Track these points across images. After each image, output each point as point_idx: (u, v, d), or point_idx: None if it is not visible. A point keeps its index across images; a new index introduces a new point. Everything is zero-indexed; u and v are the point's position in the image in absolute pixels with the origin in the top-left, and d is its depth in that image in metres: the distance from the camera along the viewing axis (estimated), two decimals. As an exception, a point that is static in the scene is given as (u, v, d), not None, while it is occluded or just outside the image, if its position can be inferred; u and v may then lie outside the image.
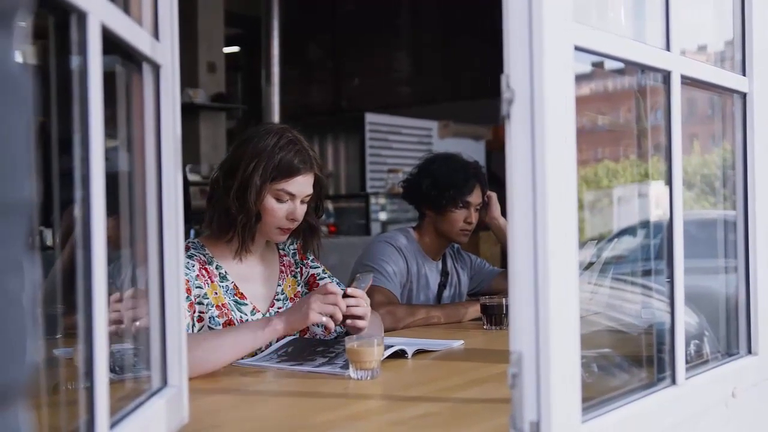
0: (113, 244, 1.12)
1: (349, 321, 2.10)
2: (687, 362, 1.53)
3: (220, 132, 7.76)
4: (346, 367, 1.89)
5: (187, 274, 2.07)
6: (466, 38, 9.04)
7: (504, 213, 3.07)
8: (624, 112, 2.06)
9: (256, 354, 2.15)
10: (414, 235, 3.05)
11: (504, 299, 2.65)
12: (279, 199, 2.18)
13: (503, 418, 1.22)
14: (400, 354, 2.10)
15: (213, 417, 1.58)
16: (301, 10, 9.52)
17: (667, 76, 1.50)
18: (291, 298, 2.34)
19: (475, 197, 2.97)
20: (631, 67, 1.57)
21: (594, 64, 1.43)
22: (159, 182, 1.34)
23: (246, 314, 2.19)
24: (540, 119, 1.14)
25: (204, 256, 2.19)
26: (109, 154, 1.06)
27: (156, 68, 1.33)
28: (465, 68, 9.06)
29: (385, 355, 1.99)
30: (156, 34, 1.33)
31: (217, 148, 7.32)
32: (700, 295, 1.77)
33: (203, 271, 2.15)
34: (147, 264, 1.35)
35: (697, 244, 1.63)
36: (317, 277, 2.41)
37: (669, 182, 1.51)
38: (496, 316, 2.64)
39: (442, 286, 3.09)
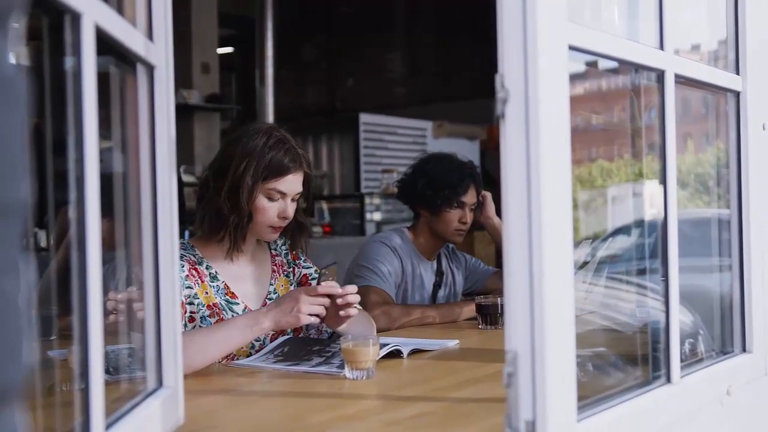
0: (108, 245, 1.12)
1: (342, 312, 2.09)
2: (682, 361, 1.53)
3: (215, 133, 7.75)
4: (342, 366, 1.89)
5: None
6: (461, 39, 9.04)
7: (499, 213, 3.08)
8: (618, 112, 2.06)
9: (251, 354, 2.15)
10: (409, 235, 3.05)
11: (499, 299, 2.65)
12: (270, 198, 2.19)
13: (499, 418, 1.22)
14: (395, 354, 2.10)
15: (208, 418, 1.57)
16: (295, 11, 9.52)
17: (661, 75, 1.51)
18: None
19: (469, 197, 2.97)
20: (625, 66, 1.57)
21: (588, 64, 1.44)
22: (154, 183, 1.34)
23: (238, 313, 2.20)
24: (534, 119, 1.14)
25: (194, 256, 2.20)
26: (103, 156, 1.06)
27: (150, 69, 1.33)
28: (459, 68, 9.07)
29: (381, 355, 1.99)
30: (150, 35, 1.33)
31: (211, 149, 7.31)
32: (695, 293, 1.77)
33: (193, 272, 2.16)
34: (142, 265, 1.35)
35: (691, 243, 1.64)
36: (309, 278, 2.42)
37: (663, 181, 1.51)
38: (491, 316, 2.65)
39: (437, 285, 3.09)
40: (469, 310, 2.81)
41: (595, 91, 1.74)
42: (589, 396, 1.31)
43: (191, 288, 2.13)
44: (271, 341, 2.23)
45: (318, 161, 8.60)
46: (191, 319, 2.11)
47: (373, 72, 9.79)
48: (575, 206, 1.27)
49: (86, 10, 0.99)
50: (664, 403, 1.47)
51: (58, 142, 1.01)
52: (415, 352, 2.17)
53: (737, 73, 1.80)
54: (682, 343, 1.57)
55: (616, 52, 1.41)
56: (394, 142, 8.22)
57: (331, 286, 2.03)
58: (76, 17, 0.98)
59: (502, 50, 1.16)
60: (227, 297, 2.21)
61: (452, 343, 2.34)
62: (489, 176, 6.52)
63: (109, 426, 1.07)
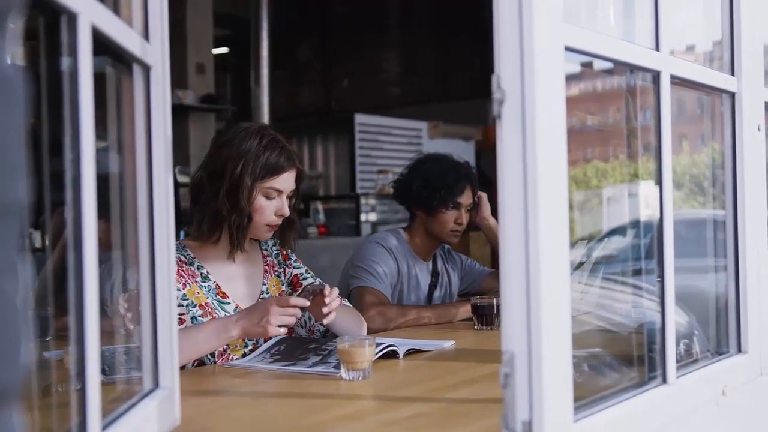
0: (103, 246, 1.11)
1: (326, 320, 2.12)
2: (677, 361, 1.53)
3: (210, 133, 7.73)
4: (339, 365, 1.89)
5: None
6: (456, 39, 9.05)
7: (494, 213, 3.08)
8: (613, 112, 2.06)
9: (246, 354, 2.16)
10: (404, 235, 3.05)
11: (495, 299, 2.66)
12: (268, 197, 2.23)
13: (495, 418, 1.22)
14: (391, 354, 2.10)
15: (205, 419, 1.57)
16: (290, 11, 9.52)
17: (656, 76, 1.51)
18: (278, 295, 2.37)
19: (465, 198, 2.97)
20: (620, 67, 1.57)
21: (583, 64, 1.44)
22: (150, 184, 1.34)
23: (229, 312, 2.22)
24: (531, 119, 1.14)
25: (184, 256, 2.21)
26: (99, 156, 1.06)
27: (146, 69, 1.33)
28: (455, 69, 9.08)
29: (377, 355, 1.99)
30: (146, 36, 1.33)
31: (206, 150, 7.27)
32: (690, 294, 1.78)
33: (182, 272, 2.16)
34: (138, 266, 1.34)
35: (686, 244, 1.64)
36: (300, 278, 2.44)
37: (659, 182, 1.52)
38: (486, 316, 2.65)
39: (432, 286, 3.09)
40: (465, 310, 2.81)
41: (590, 92, 1.74)
42: (586, 396, 1.31)
43: (179, 290, 2.14)
44: (265, 341, 2.24)
45: (313, 162, 8.60)
46: (181, 321, 2.11)
47: (369, 72, 9.79)
48: (570, 207, 1.27)
49: (83, 10, 0.99)
50: (660, 403, 1.47)
51: (54, 142, 1.01)
52: (411, 352, 2.17)
53: (732, 74, 1.81)
54: (677, 344, 1.57)
55: (612, 53, 1.41)
56: (390, 142, 8.22)
57: (302, 300, 2.03)
58: (72, 17, 0.98)
59: (498, 51, 1.16)
60: (218, 297, 2.23)
61: (448, 344, 2.34)
62: (484, 177, 6.52)
63: (105, 427, 1.07)
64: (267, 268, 2.40)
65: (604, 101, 1.96)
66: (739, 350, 1.79)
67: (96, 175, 1.02)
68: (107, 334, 1.36)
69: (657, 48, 1.51)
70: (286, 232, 2.36)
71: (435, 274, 3.10)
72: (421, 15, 9.57)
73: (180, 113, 7.23)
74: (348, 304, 2.52)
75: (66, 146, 1.00)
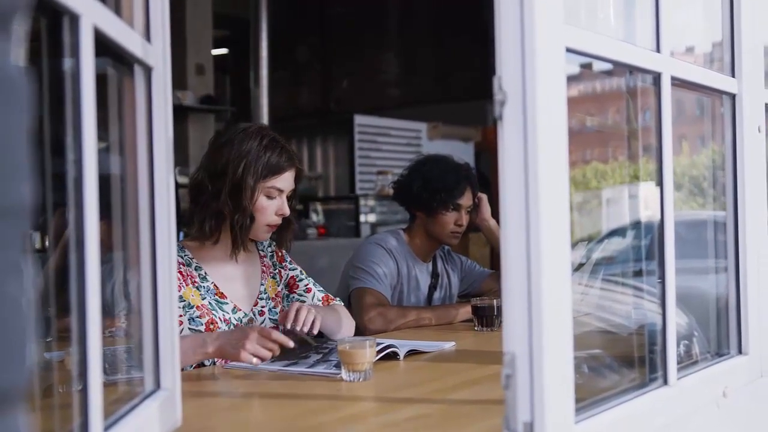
0: (104, 246, 1.11)
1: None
2: (677, 363, 1.53)
3: (209, 134, 7.72)
4: (340, 365, 1.88)
5: None
6: (455, 40, 9.05)
7: (494, 214, 3.08)
8: (612, 114, 2.06)
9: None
10: (404, 236, 3.05)
11: (495, 300, 2.65)
12: (269, 196, 2.24)
13: (496, 419, 1.22)
14: (392, 356, 2.10)
15: (206, 420, 1.57)
16: (289, 12, 9.51)
17: (657, 77, 1.51)
18: (272, 297, 2.39)
19: (465, 199, 2.97)
20: (619, 68, 1.57)
21: (582, 65, 1.44)
22: (151, 185, 1.34)
23: (228, 312, 2.24)
24: (532, 121, 1.14)
25: (182, 257, 2.21)
26: (100, 157, 1.06)
27: (147, 70, 1.33)
28: (454, 70, 9.08)
29: (378, 357, 1.99)
30: (147, 37, 1.33)
31: (205, 150, 7.28)
32: (689, 295, 1.78)
33: (179, 274, 2.16)
34: (139, 267, 1.34)
35: (685, 245, 1.64)
36: (297, 279, 2.47)
37: (660, 183, 1.52)
38: (487, 318, 2.65)
39: (432, 287, 3.09)
40: (465, 311, 2.81)
41: (589, 93, 1.74)
42: (587, 398, 1.31)
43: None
44: None
45: (312, 163, 8.60)
46: (178, 323, 2.11)
47: (368, 73, 9.78)
48: (570, 208, 1.27)
49: (85, 11, 0.99)
50: (661, 405, 1.47)
51: (55, 143, 1.01)
52: (411, 353, 2.17)
53: (733, 75, 1.81)
54: (677, 345, 1.57)
55: (613, 54, 1.42)
56: (389, 143, 8.22)
57: (285, 339, 1.96)
58: (74, 18, 0.98)
59: (499, 52, 1.16)
60: (216, 297, 2.24)
61: (448, 345, 2.34)
62: (484, 178, 6.52)
63: (107, 428, 1.07)
64: (264, 268, 2.41)
65: (603, 102, 1.97)
66: (740, 352, 1.79)
67: (97, 176, 1.02)
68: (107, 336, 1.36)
69: (658, 49, 1.51)
70: (283, 232, 2.37)
71: (435, 275, 3.10)
72: (421, 16, 9.57)
73: (179, 114, 7.23)
74: (338, 302, 2.52)
75: (68, 147, 1.00)
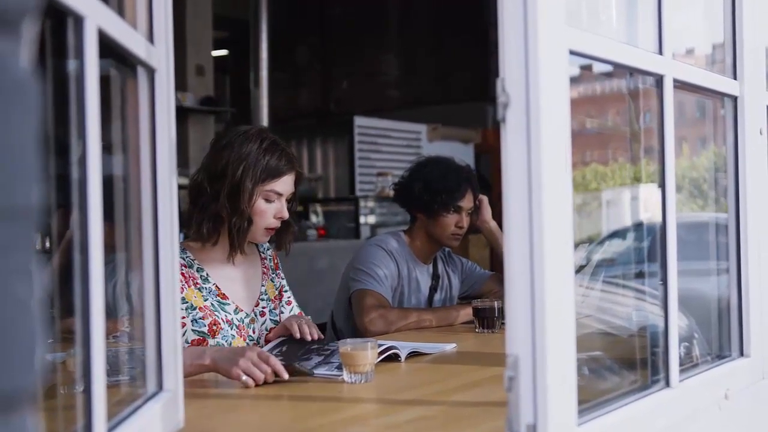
0: (107, 248, 1.11)
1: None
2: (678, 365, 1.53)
3: (209, 135, 7.72)
4: (341, 366, 1.88)
5: None
6: (455, 41, 9.05)
7: (495, 216, 3.08)
8: (612, 115, 2.07)
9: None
10: (405, 238, 3.05)
11: (496, 302, 2.66)
12: (268, 200, 2.24)
13: (499, 421, 1.22)
14: (393, 357, 2.10)
15: (208, 421, 1.57)
16: (289, 14, 9.51)
17: (659, 79, 1.51)
18: (272, 299, 2.40)
19: (466, 202, 2.97)
20: (620, 70, 1.58)
21: (581, 67, 1.44)
22: (154, 186, 1.34)
23: (229, 313, 2.24)
24: (536, 123, 1.14)
25: (184, 259, 2.22)
26: (103, 158, 1.05)
27: (151, 72, 1.33)
28: (454, 71, 9.08)
29: (379, 358, 1.99)
30: (151, 38, 1.33)
31: (205, 152, 7.26)
32: (690, 297, 1.78)
33: (181, 275, 2.16)
34: (142, 269, 1.34)
35: (685, 247, 1.64)
36: (283, 289, 2.48)
37: (662, 185, 1.52)
38: (488, 319, 2.65)
39: (432, 289, 3.09)
40: (466, 313, 2.81)
41: (589, 95, 1.74)
42: (589, 400, 1.31)
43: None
44: (266, 342, 2.25)
45: (312, 164, 8.59)
46: (182, 324, 2.11)
47: (368, 74, 9.78)
48: (571, 210, 1.27)
49: (89, 13, 0.99)
50: (663, 406, 1.47)
51: (59, 144, 1.01)
52: (413, 355, 2.17)
53: (735, 77, 1.81)
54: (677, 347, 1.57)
55: (616, 56, 1.42)
56: (389, 144, 8.21)
57: (282, 370, 1.88)
58: (79, 20, 0.98)
59: (503, 54, 1.16)
60: (218, 298, 2.24)
61: (449, 347, 2.34)
62: (483, 180, 6.52)
63: (110, 429, 1.07)
64: (265, 270, 2.42)
65: (603, 104, 1.97)
66: (742, 354, 1.79)
67: (101, 177, 1.02)
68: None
69: (660, 52, 1.51)
70: (283, 235, 2.37)
71: (435, 277, 3.10)
72: (421, 17, 9.57)
73: (179, 115, 7.15)
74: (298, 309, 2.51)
75: (72, 148, 1.00)
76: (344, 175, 8.24)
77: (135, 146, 1.33)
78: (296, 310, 2.46)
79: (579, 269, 2.04)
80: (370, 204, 7.51)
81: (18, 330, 0.54)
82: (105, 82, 1.16)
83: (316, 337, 2.13)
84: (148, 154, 1.33)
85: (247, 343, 2.24)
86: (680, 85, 1.58)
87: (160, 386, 1.35)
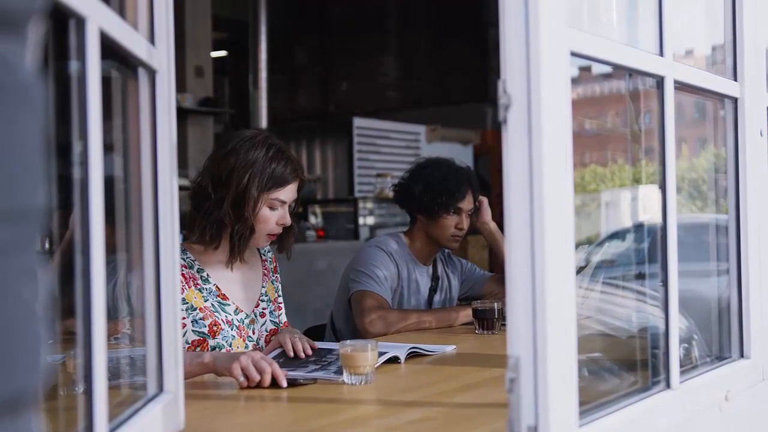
0: (108, 249, 1.11)
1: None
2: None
3: (208, 136, 7.73)
4: (339, 372, 1.88)
5: None
6: (454, 42, 9.06)
7: (494, 217, 3.08)
8: (611, 116, 2.07)
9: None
10: (405, 239, 3.05)
11: (496, 303, 2.65)
12: (272, 208, 2.24)
13: (499, 423, 1.22)
14: (393, 359, 2.10)
15: (208, 423, 1.57)
16: (288, 15, 9.52)
17: (660, 81, 1.51)
18: (273, 300, 2.41)
19: (467, 203, 2.97)
20: (619, 71, 1.58)
21: (581, 68, 1.44)
22: (155, 187, 1.34)
23: (230, 314, 2.24)
24: (537, 124, 1.14)
25: (184, 260, 2.21)
26: (104, 159, 1.05)
27: (152, 73, 1.33)
28: (453, 72, 9.08)
29: (379, 362, 1.99)
30: (152, 39, 1.33)
31: (204, 153, 7.27)
32: (689, 298, 1.78)
33: (181, 276, 2.16)
34: (142, 270, 1.34)
35: (684, 248, 1.64)
36: (279, 293, 2.47)
37: (663, 186, 1.52)
38: (488, 321, 2.64)
39: (432, 290, 3.09)
40: (466, 314, 2.81)
41: (588, 96, 1.74)
42: (590, 401, 1.31)
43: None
44: (266, 343, 2.25)
45: (311, 165, 8.60)
46: (182, 325, 2.11)
47: (367, 76, 9.79)
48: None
49: (91, 14, 0.99)
50: (664, 408, 1.47)
51: (59, 145, 1.01)
52: (412, 356, 2.17)
53: (735, 79, 1.81)
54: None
55: (617, 58, 1.42)
56: (388, 146, 8.21)
57: (282, 377, 1.86)
58: (80, 21, 0.98)
59: (504, 56, 1.16)
60: (219, 299, 2.24)
61: (450, 348, 2.34)
62: (483, 181, 6.52)
63: (111, 431, 1.06)
64: (265, 271, 2.42)
65: (602, 105, 1.97)
66: (742, 355, 1.79)
67: (103, 178, 1.02)
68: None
69: (661, 53, 1.51)
70: (285, 238, 2.37)
71: (435, 278, 3.10)
72: (420, 18, 9.58)
73: (178, 116, 7.15)
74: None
75: (73, 149, 1.00)
76: (343, 176, 8.25)
77: (136, 147, 1.33)
78: (283, 319, 2.45)
79: (578, 270, 2.05)
80: (369, 205, 7.51)
81: (23, 332, 0.54)
82: (106, 83, 1.16)
83: (309, 352, 2.12)
84: (149, 155, 1.33)
85: (247, 344, 2.24)
86: (681, 86, 1.58)
87: (160, 388, 1.34)
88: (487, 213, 3.09)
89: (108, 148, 1.24)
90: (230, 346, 2.19)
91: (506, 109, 1.17)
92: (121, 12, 1.21)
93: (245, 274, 2.34)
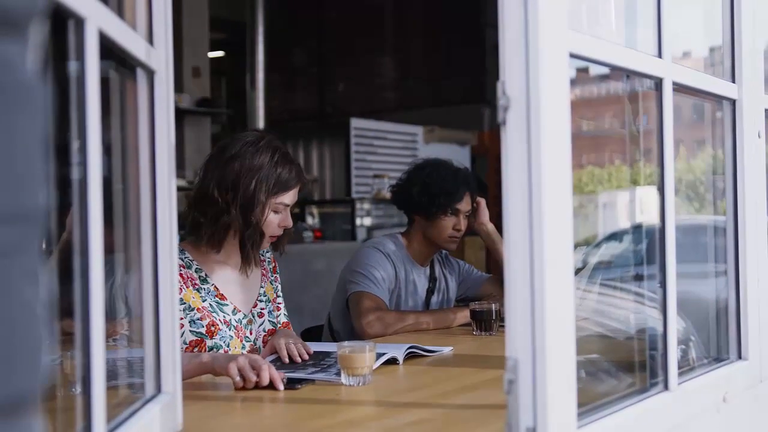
0: (105, 249, 1.11)
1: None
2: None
3: (205, 136, 7.72)
4: (338, 375, 1.88)
5: None
6: (451, 43, 9.06)
7: (492, 218, 3.08)
8: (609, 118, 2.07)
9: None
10: (402, 241, 3.05)
11: (493, 305, 2.65)
12: (276, 211, 2.25)
13: (498, 424, 1.22)
14: (391, 360, 2.10)
15: (206, 424, 1.57)
16: (285, 16, 9.52)
17: (659, 83, 1.51)
18: (272, 300, 2.41)
19: (464, 204, 2.97)
20: (616, 72, 1.58)
21: (579, 69, 1.44)
22: (153, 188, 1.33)
23: (228, 314, 2.24)
24: (536, 126, 1.14)
25: (182, 260, 2.21)
26: (102, 160, 1.05)
27: (150, 74, 1.33)
28: (450, 73, 9.08)
29: (377, 365, 1.98)
30: (150, 40, 1.33)
31: (201, 153, 7.28)
32: (685, 300, 1.78)
33: (179, 276, 2.16)
34: (140, 271, 1.34)
35: (682, 250, 1.64)
36: (278, 293, 2.47)
37: (661, 188, 1.52)
38: (485, 322, 2.64)
39: (430, 291, 3.09)
40: (463, 316, 2.81)
41: (585, 97, 1.74)
42: (588, 403, 1.31)
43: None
44: (263, 344, 2.25)
45: (308, 166, 8.58)
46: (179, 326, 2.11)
47: (364, 76, 9.78)
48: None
49: (90, 15, 0.98)
50: (662, 409, 1.47)
51: (59, 145, 1.01)
52: (410, 357, 2.17)
53: (733, 81, 1.81)
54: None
55: (616, 59, 1.42)
56: (385, 147, 8.21)
57: (279, 380, 1.85)
58: (79, 22, 0.98)
59: (503, 57, 1.16)
60: (217, 299, 2.24)
61: (447, 350, 2.34)
62: (479, 182, 6.51)
63: (109, 432, 1.06)
64: (264, 272, 2.42)
65: (599, 106, 1.97)
66: (740, 357, 1.80)
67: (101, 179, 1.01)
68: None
69: (659, 55, 1.51)
70: (281, 238, 2.37)
71: (432, 279, 3.10)
72: (416, 19, 9.58)
73: (175, 116, 7.17)
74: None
75: (72, 150, 0.99)
76: (340, 177, 8.24)
77: (134, 148, 1.32)
78: (283, 319, 2.45)
79: (576, 272, 2.05)
80: (366, 206, 7.50)
81: (25, 334, 0.54)
82: (104, 83, 1.15)
83: (306, 357, 2.11)
84: (147, 156, 1.33)
85: (244, 344, 2.24)
86: (679, 88, 1.58)
87: (158, 388, 1.34)
88: (484, 214, 3.08)
89: (106, 148, 1.24)
90: (228, 347, 2.19)
91: (505, 111, 1.17)
92: (120, 12, 1.21)
93: (244, 273, 2.34)
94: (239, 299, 2.29)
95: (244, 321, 2.28)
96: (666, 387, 1.49)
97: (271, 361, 2.07)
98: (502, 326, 2.52)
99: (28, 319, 0.54)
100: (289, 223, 2.28)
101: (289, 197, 2.26)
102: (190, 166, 7.12)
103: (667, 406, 1.48)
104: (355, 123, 8.07)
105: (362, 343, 1.91)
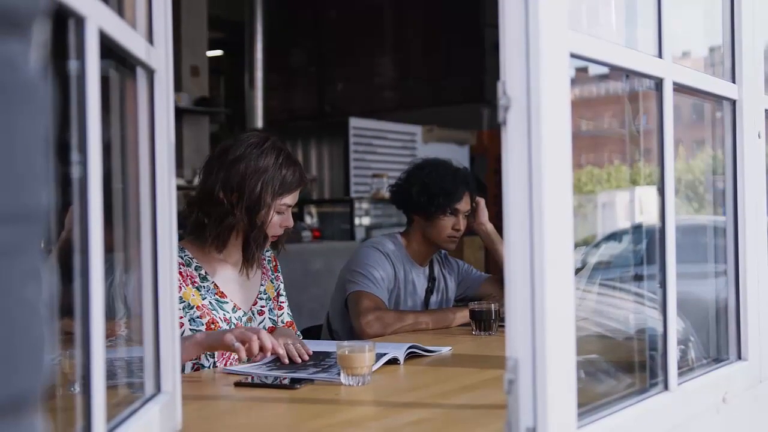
0: (105, 248, 1.11)
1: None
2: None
3: (204, 136, 7.73)
4: (338, 374, 1.88)
5: None
6: (450, 43, 9.06)
7: (492, 218, 3.08)
8: (608, 118, 2.07)
9: (250, 361, 2.15)
10: (401, 240, 3.05)
11: (493, 305, 2.65)
12: (279, 212, 2.27)
13: (498, 424, 1.22)
14: (391, 360, 2.10)
15: (206, 424, 1.57)
16: (284, 15, 9.51)
17: (659, 83, 1.51)
18: (273, 298, 2.42)
19: (464, 204, 2.97)
20: (616, 72, 1.58)
21: (578, 69, 1.44)
22: (153, 187, 1.33)
23: (228, 312, 2.25)
24: (537, 126, 1.14)
25: (182, 258, 2.21)
26: (102, 159, 1.05)
27: (150, 73, 1.32)
28: (449, 73, 9.08)
29: (379, 365, 1.98)
30: (150, 39, 1.32)
31: (200, 152, 7.29)
32: (685, 300, 1.78)
33: (178, 274, 2.16)
34: (140, 270, 1.34)
35: (681, 250, 1.64)
36: (279, 293, 2.48)
37: (661, 188, 1.52)
38: (485, 322, 2.64)
39: (429, 291, 3.09)
40: (463, 316, 2.80)
41: (585, 97, 1.74)
42: (588, 403, 1.31)
43: None
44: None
45: (307, 165, 8.58)
46: (179, 324, 2.11)
47: (363, 76, 9.78)
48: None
49: (90, 14, 0.98)
50: (662, 410, 1.47)
51: (59, 144, 1.00)
52: (410, 357, 2.16)
53: (733, 81, 1.81)
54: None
55: (616, 59, 1.42)
56: (384, 146, 8.21)
57: (281, 349, 1.94)
58: (80, 21, 0.98)
59: (504, 57, 1.16)
60: (217, 297, 2.25)
61: (446, 350, 2.33)
62: (478, 181, 6.51)
63: (109, 431, 1.06)
64: (264, 270, 2.43)
65: (598, 106, 1.97)
66: (739, 357, 1.79)
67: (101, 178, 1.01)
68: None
69: (660, 55, 1.51)
70: (280, 237, 2.38)
71: (432, 279, 3.10)
72: (416, 19, 9.58)
73: (174, 116, 7.18)
74: (299, 333, 2.51)
75: (73, 149, 0.99)
76: (339, 176, 8.24)
77: (134, 146, 1.32)
78: (286, 318, 2.45)
79: (575, 272, 2.04)
80: (365, 205, 7.50)
81: (27, 333, 0.54)
82: (104, 82, 1.15)
83: (306, 357, 2.10)
84: (147, 154, 1.33)
85: None
86: (679, 88, 1.58)
87: (158, 388, 1.34)
88: (483, 214, 3.08)
89: (106, 147, 1.23)
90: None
91: (506, 111, 1.16)
92: (120, 11, 1.21)
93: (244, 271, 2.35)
94: (239, 297, 2.30)
95: (244, 319, 2.28)
96: (666, 387, 1.49)
97: (271, 362, 2.07)
98: (502, 326, 2.52)
99: (29, 318, 0.54)
100: (291, 223, 2.30)
101: (292, 198, 2.28)
102: (188, 165, 7.13)
103: (666, 406, 1.48)
104: (354, 122, 8.07)
105: (362, 343, 1.91)
